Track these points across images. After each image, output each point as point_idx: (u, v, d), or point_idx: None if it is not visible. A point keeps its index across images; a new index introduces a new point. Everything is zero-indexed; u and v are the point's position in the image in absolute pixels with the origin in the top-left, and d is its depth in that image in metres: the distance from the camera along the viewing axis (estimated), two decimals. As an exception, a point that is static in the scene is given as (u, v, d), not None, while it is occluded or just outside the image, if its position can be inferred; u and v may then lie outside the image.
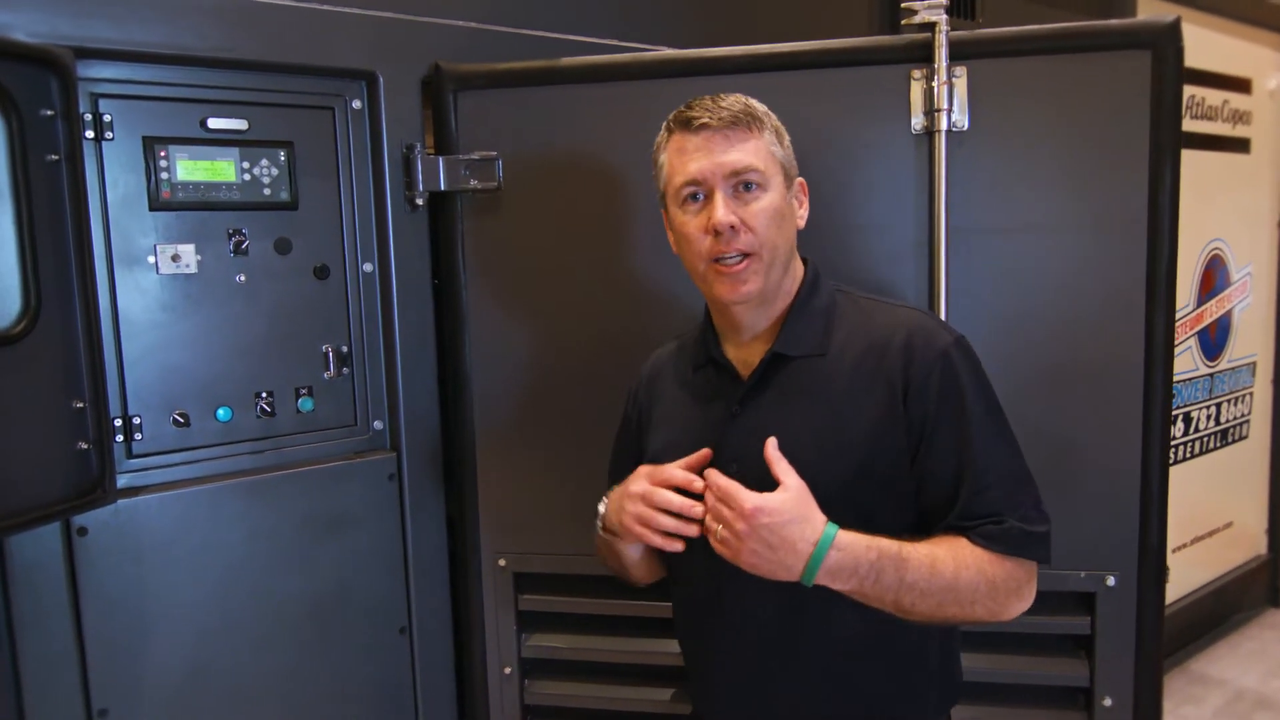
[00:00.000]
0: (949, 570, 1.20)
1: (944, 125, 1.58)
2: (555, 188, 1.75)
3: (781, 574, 1.17)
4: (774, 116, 1.34)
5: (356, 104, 1.74)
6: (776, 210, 1.28)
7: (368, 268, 1.78)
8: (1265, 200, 3.72)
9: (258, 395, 1.68)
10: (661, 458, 1.36)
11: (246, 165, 1.64)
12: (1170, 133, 1.55)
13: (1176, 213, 1.57)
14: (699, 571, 1.35)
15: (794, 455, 1.22)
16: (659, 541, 1.26)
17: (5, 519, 1.34)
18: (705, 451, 1.29)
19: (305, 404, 1.72)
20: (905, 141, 1.63)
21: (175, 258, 1.58)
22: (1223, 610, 3.72)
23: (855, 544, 1.17)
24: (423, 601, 1.84)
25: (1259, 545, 3.91)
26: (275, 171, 1.66)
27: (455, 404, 1.83)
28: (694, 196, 1.28)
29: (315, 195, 1.71)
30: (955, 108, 1.58)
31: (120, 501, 1.52)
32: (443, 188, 1.74)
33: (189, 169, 1.59)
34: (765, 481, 1.21)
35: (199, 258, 1.61)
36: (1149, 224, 1.57)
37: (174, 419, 1.60)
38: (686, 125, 1.28)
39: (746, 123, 1.27)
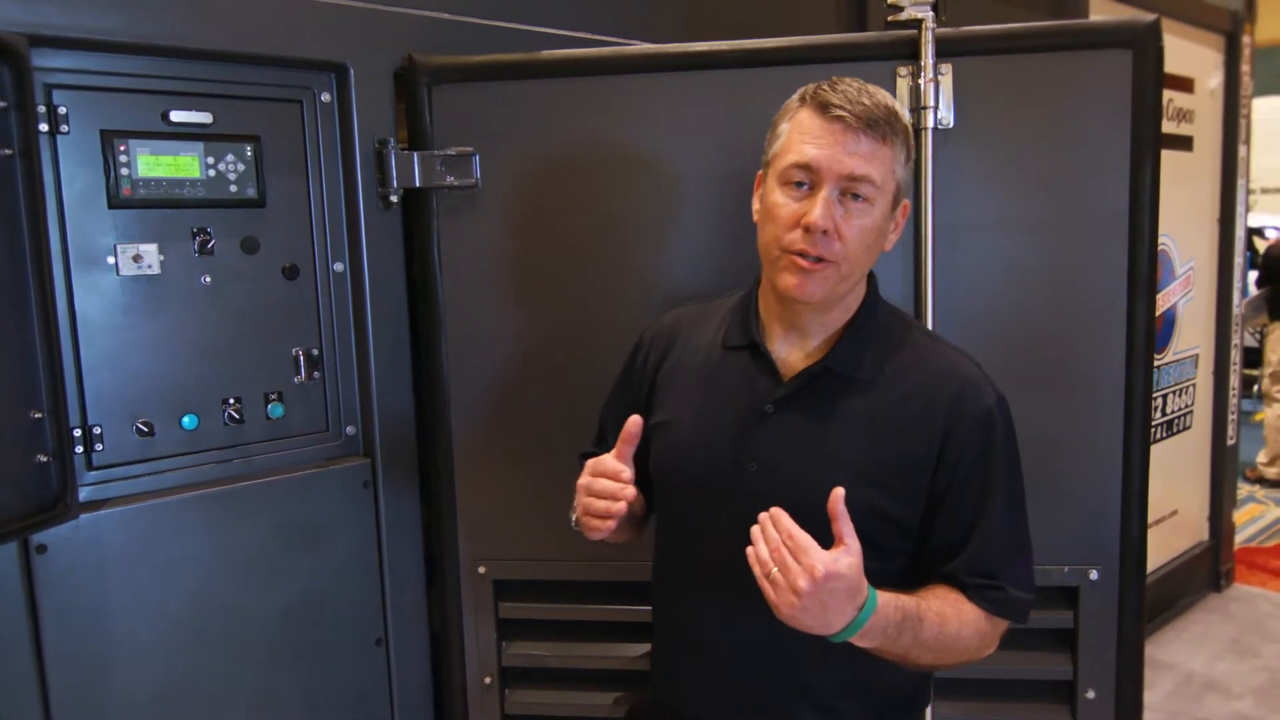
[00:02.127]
0: (954, 628, 1.23)
1: (930, 122, 1.58)
2: (534, 184, 1.71)
3: (818, 629, 1.12)
4: (910, 131, 1.26)
5: (326, 97, 1.67)
6: (875, 229, 1.23)
7: (339, 267, 1.71)
8: (1206, 197, 3.83)
9: (225, 401, 1.60)
10: (674, 432, 1.33)
11: (211, 160, 1.56)
12: (1150, 131, 1.57)
13: (1157, 210, 1.59)
14: (689, 570, 1.34)
15: (819, 475, 1.21)
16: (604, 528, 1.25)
17: (-40, 538, 1.26)
18: (637, 419, 1.24)
19: (275, 410, 1.65)
20: (891, 139, 1.62)
21: (137, 258, 1.50)
22: (1169, 596, 3.83)
23: (886, 606, 1.16)
24: (399, 611, 1.78)
25: (1201, 532, 4.04)
26: (242, 167, 1.59)
27: (431, 408, 1.77)
28: (799, 183, 1.21)
29: (283, 192, 1.64)
30: (941, 105, 1.58)
31: (82, 516, 1.44)
32: (418, 184, 1.68)
33: (150, 164, 1.50)
34: (780, 488, 1.19)
35: (162, 258, 1.52)
36: (1130, 221, 1.59)
37: (137, 428, 1.52)
38: (823, 109, 1.20)
39: (883, 130, 1.20)
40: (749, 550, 1.13)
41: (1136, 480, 1.64)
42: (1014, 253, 1.62)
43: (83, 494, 1.47)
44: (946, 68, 1.58)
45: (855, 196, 1.20)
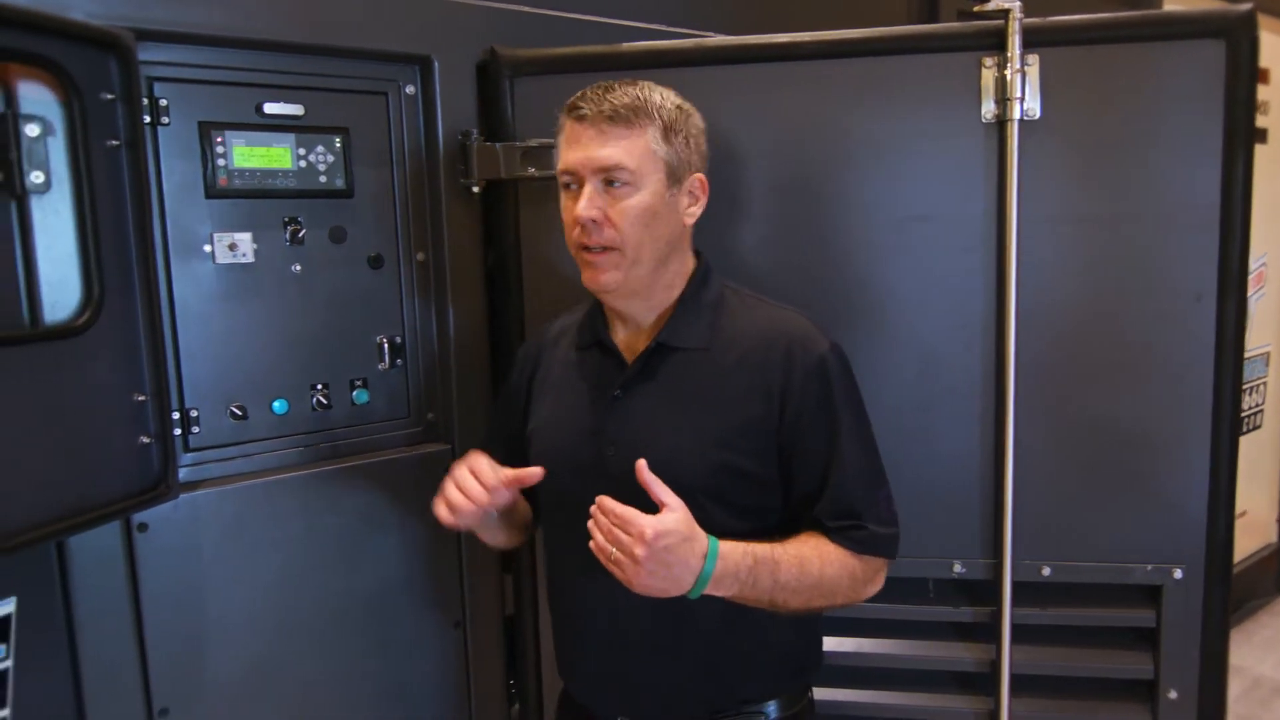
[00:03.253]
0: (815, 568, 1.28)
1: (1016, 114, 1.56)
2: (613, 176, 1.72)
3: (673, 591, 1.19)
4: (678, 111, 1.33)
5: (410, 89, 1.70)
6: (646, 209, 1.29)
7: (420, 257, 1.74)
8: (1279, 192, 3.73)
9: (313, 387, 1.64)
10: (543, 434, 1.43)
11: (302, 152, 1.59)
12: (1244, 123, 1.54)
13: (1249, 204, 1.56)
14: (572, 559, 1.39)
15: (670, 444, 1.29)
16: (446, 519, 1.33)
17: (71, 518, 1.31)
18: (538, 471, 1.31)
19: (360, 396, 1.69)
20: (975, 130, 1.60)
21: (232, 246, 1.54)
22: (1236, 598, 3.75)
23: (733, 553, 1.23)
24: (476, 595, 1.81)
25: (1270, 533, 3.95)
26: (331, 158, 1.62)
27: (509, 396, 1.80)
28: (568, 184, 1.31)
29: (369, 183, 1.67)
30: (1028, 96, 1.56)
31: (180, 496, 1.48)
32: (501, 175, 1.71)
33: (245, 155, 1.54)
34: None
35: (255, 247, 1.56)
36: (1221, 215, 1.56)
37: (231, 411, 1.56)
38: (573, 113, 1.30)
39: (627, 118, 1.28)
40: (590, 545, 1.19)
41: (1225, 478, 1.61)
42: (1100, 246, 1.60)
43: (180, 475, 1.51)
44: (1033, 58, 1.56)
45: (613, 183, 1.28)
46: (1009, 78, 1.55)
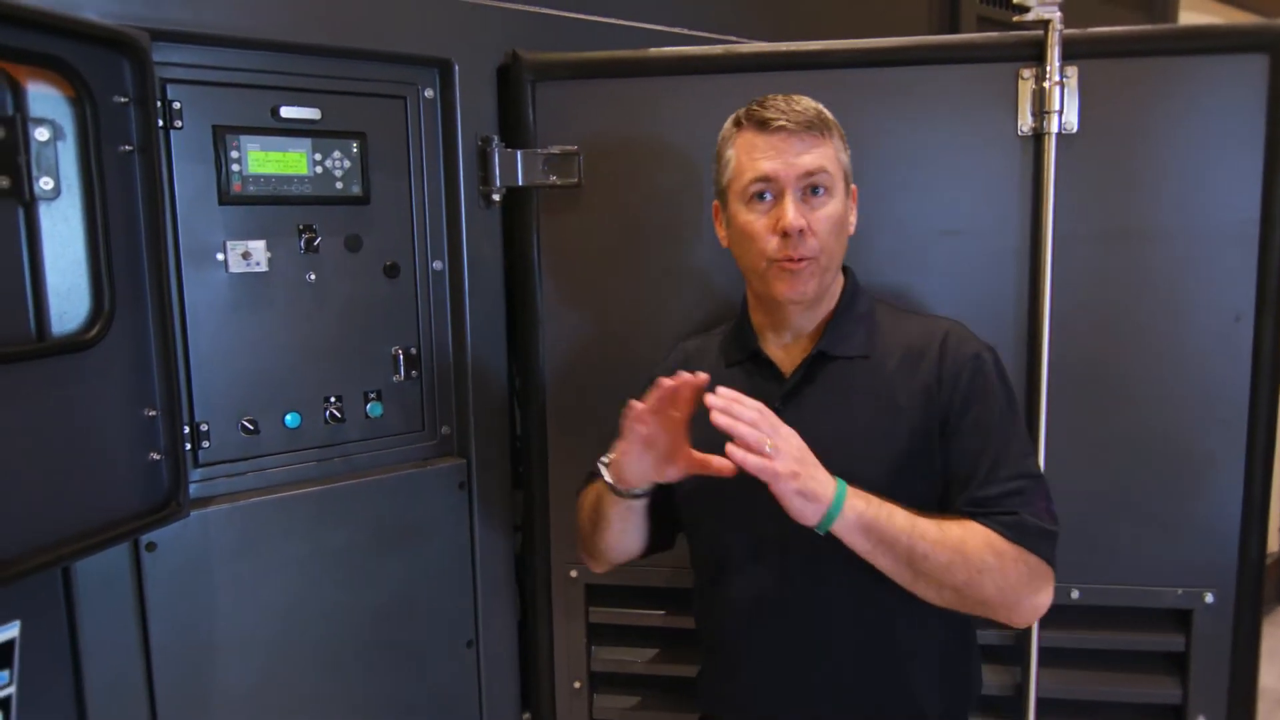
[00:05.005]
0: (956, 532, 1.23)
1: (1054, 127, 1.52)
2: (636, 184, 1.68)
3: (812, 504, 1.18)
4: (839, 125, 1.36)
5: (430, 93, 1.64)
6: (840, 217, 1.32)
7: (438, 266, 1.69)
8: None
9: (326, 400, 1.59)
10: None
11: (319, 157, 1.54)
12: (1286, 139, 1.51)
13: (1291, 221, 1.52)
14: (739, 582, 1.37)
15: (840, 453, 1.26)
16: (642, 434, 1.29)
17: (76, 541, 1.25)
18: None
19: (374, 409, 1.63)
20: (1010, 143, 1.57)
21: (246, 255, 1.49)
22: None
23: (854, 492, 1.22)
24: (490, 613, 1.76)
25: (1271, 542, 3.93)
26: (348, 164, 1.57)
27: (526, 409, 1.75)
28: (762, 195, 1.30)
29: (386, 189, 1.62)
30: (1066, 109, 1.52)
31: (190, 513, 1.43)
32: (520, 183, 1.66)
33: (260, 160, 1.49)
34: None
35: (269, 255, 1.51)
36: (1261, 232, 1.53)
37: (242, 425, 1.51)
38: (762, 125, 1.30)
39: (820, 127, 1.30)
40: (729, 447, 1.16)
41: (1259, 501, 1.58)
42: (1137, 261, 1.56)
43: (190, 491, 1.46)
44: (1072, 71, 1.52)
45: (815, 191, 1.30)
46: (1047, 90, 1.52)
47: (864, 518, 1.20)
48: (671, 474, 1.30)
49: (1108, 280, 1.57)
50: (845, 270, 1.42)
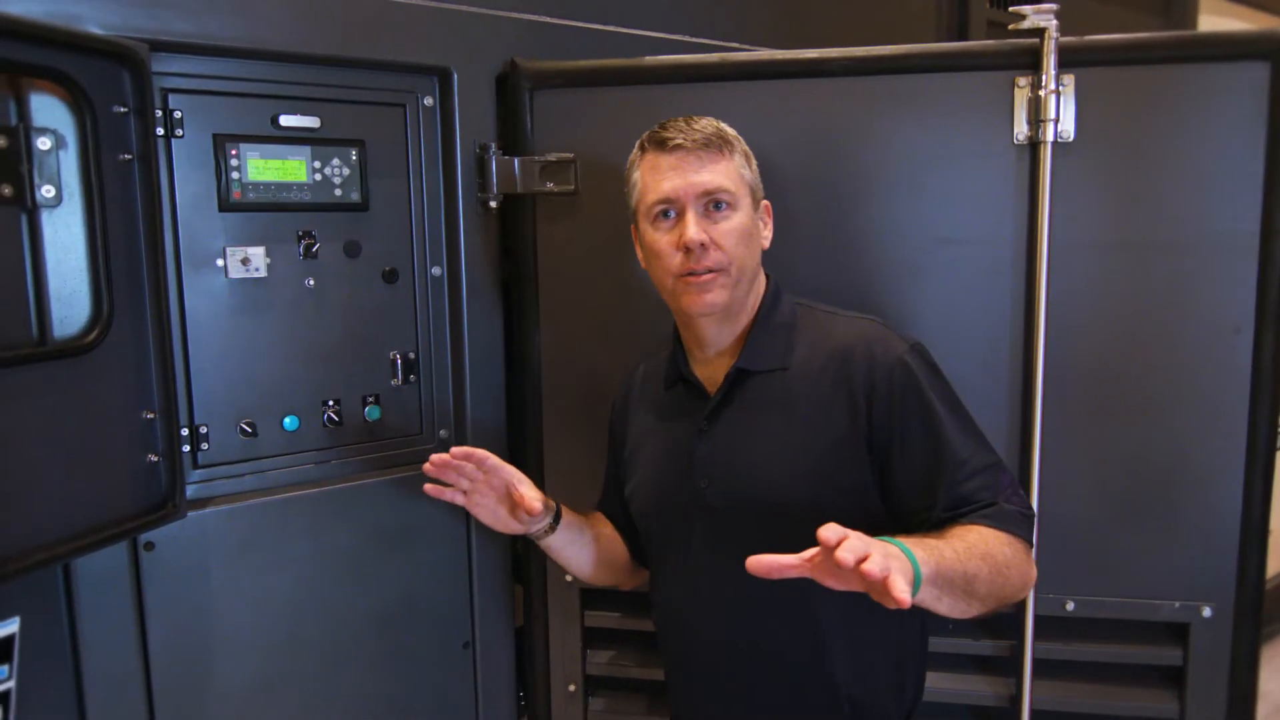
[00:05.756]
0: (981, 544, 1.20)
1: (1050, 136, 1.52)
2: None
3: (909, 573, 1.04)
4: (743, 141, 1.39)
5: (428, 101, 1.66)
6: (744, 230, 1.34)
7: (436, 271, 1.71)
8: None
9: (325, 403, 1.62)
10: (643, 479, 1.48)
11: (318, 164, 1.56)
12: (1287, 148, 1.49)
13: (1292, 232, 1.50)
14: (681, 591, 1.45)
15: (762, 468, 1.32)
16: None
17: (76, 539, 1.28)
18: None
19: (372, 412, 1.66)
20: (1006, 151, 1.56)
21: (245, 261, 1.51)
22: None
23: (910, 539, 1.11)
24: (486, 616, 1.78)
25: (1271, 564, 3.87)
26: (346, 171, 1.59)
27: (523, 413, 1.77)
28: (666, 214, 1.34)
29: (385, 196, 1.64)
30: (1063, 117, 1.51)
31: (188, 514, 1.46)
32: (518, 190, 1.67)
33: (260, 168, 1.52)
34: (733, 497, 1.34)
35: (268, 261, 1.54)
36: (1261, 242, 1.51)
37: (241, 428, 1.54)
38: (661, 145, 1.33)
39: (718, 145, 1.33)
40: (847, 558, 0.97)
41: (1258, 515, 1.56)
42: (1134, 272, 1.55)
43: (188, 492, 1.49)
44: (1068, 79, 1.51)
45: (718, 206, 1.33)
46: (1043, 98, 1.51)
47: (931, 560, 1.09)
48: (522, 517, 1.48)
49: (1105, 290, 1.56)
50: (767, 277, 1.44)
